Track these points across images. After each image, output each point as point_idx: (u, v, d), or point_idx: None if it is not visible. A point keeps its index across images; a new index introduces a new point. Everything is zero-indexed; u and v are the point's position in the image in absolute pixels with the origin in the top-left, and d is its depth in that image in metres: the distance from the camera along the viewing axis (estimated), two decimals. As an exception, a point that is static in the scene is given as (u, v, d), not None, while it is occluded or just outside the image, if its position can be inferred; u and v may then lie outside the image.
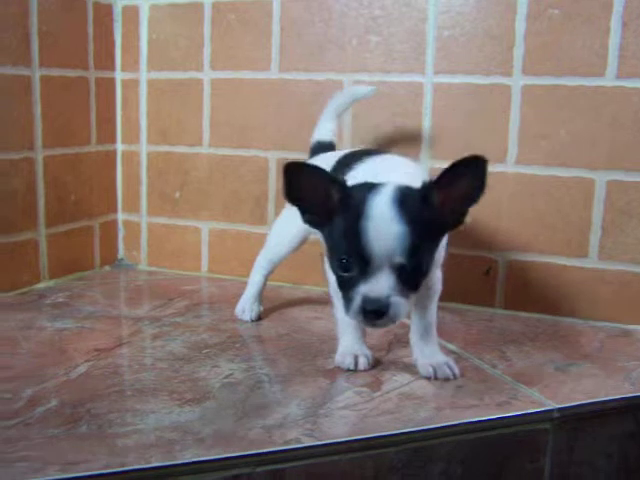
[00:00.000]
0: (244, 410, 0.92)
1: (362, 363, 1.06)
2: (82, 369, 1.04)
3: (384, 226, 0.87)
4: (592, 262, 1.28)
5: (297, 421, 0.90)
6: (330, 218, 0.93)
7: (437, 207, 0.90)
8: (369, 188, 0.91)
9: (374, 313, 0.89)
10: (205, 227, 1.55)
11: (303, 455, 0.85)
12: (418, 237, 0.88)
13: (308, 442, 0.85)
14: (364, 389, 1.00)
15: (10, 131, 1.34)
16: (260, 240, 1.45)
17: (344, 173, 1.08)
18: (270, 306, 1.34)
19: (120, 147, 1.60)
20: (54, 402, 0.93)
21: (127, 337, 1.18)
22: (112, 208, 1.62)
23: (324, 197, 0.92)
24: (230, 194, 1.52)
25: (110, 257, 1.62)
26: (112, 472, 0.78)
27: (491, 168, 1.31)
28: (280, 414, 0.92)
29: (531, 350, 1.16)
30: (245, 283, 1.36)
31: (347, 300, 0.91)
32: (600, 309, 1.28)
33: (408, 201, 0.89)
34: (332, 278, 1.06)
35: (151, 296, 1.43)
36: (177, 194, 1.56)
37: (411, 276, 0.90)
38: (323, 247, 1.03)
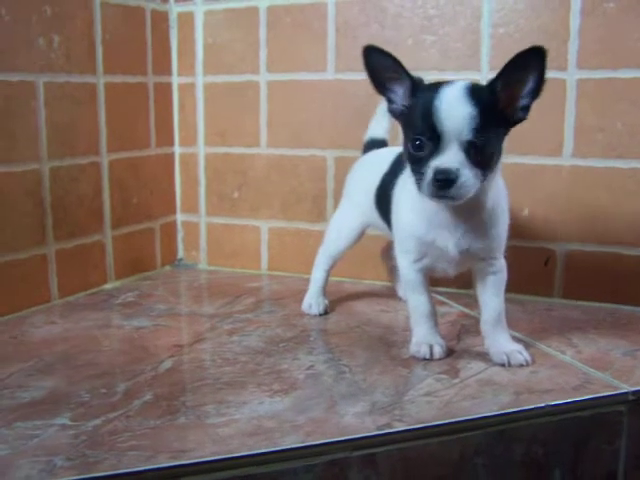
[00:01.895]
0: (332, 399, 0.96)
1: (437, 352, 1.10)
2: (168, 364, 1.08)
3: (454, 107, 0.95)
4: (647, 250, 1.31)
5: (385, 407, 0.94)
6: (406, 107, 1.01)
7: (501, 97, 0.97)
8: (441, 84, 0.99)
9: (444, 182, 0.94)
10: (264, 226, 1.59)
11: (395, 439, 0.89)
12: (484, 119, 0.95)
13: (400, 427, 0.89)
14: (443, 376, 1.04)
15: (78, 137, 1.39)
16: (319, 237, 1.49)
17: (402, 169, 1.13)
18: (334, 300, 1.38)
19: (178, 150, 1.64)
20: (149, 395, 0.97)
21: (204, 333, 1.22)
22: (171, 209, 1.66)
23: (399, 85, 1.02)
24: (288, 193, 1.56)
25: (170, 257, 1.67)
26: (220, 459, 0.81)
27: (547, 161, 1.35)
28: (367, 402, 0.95)
29: (596, 337, 1.19)
30: (306, 279, 1.40)
31: (419, 177, 0.97)
32: (659, 296, 1.31)
33: (475, 90, 0.97)
34: (405, 271, 1.11)
35: (217, 294, 1.46)
36: (235, 194, 1.60)
37: (478, 154, 0.96)
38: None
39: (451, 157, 0.94)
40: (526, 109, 0.99)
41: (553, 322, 1.27)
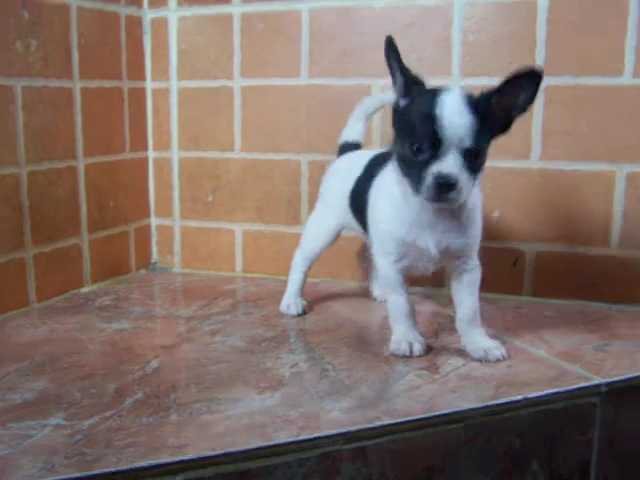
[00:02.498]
0: (319, 395, 0.99)
1: (417, 349, 1.13)
2: (155, 364, 1.10)
3: (456, 115, 0.99)
4: (614, 250, 1.37)
5: (371, 402, 0.97)
6: (399, 105, 1.06)
7: (494, 109, 1.02)
8: (438, 89, 1.03)
9: (446, 186, 0.99)
10: (239, 229, 1.61)
11: (384, 432, 0.92)
12: (481, 128, 1.00)
13: (387, 420, 0.92)
14: (424, 372, 1.07)
15: (55, 141, 1.40)
16: (294, 239, 1.52)
17: (377, 172, 1.17)
18: (311, 301, 1.41)
19: (152, 154, 1.65)
20: (139, 394, 0.99)
21: (186, 334, 1.24)
22: (146, 213, 1.67)
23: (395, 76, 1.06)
24: (263, 196, 1.58)
25: (144, 261, 1.68)
26: (217, 454, 0.84)
27: (516, 164, 1.40)
28: (354, 397, 0.98)
29: (567, 333, 1.24)
30: (281, 281, 1.43)
31: (417, 181, 1.01)
32: (624, 293, 1.37)
33: (473, 99, 1.01)
34: (385, 271, 1.14)
35: (193, 296, 1.48)
36: (210, 198, 1.62)
37: (473, 160, 1.01)
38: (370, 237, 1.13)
39: (451, 163, 0.99)
40: (512, 122, 1.04)
41: (524, 319, 1.32)
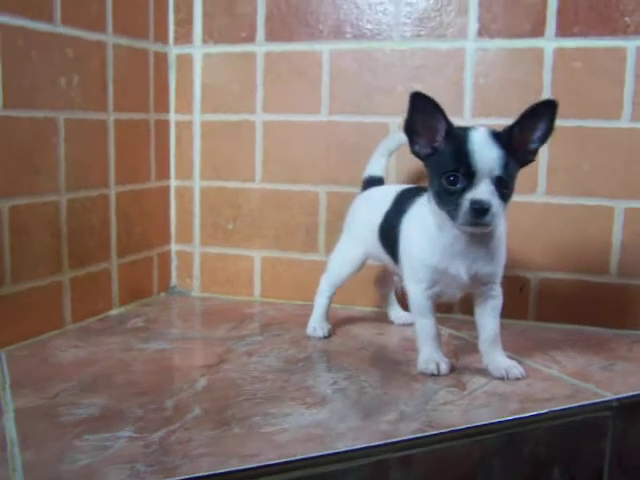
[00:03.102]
0: (364, 410, 1.08)
1: (444, 368, 1.22)
2: (203, 383, 1.17)
3: (485, 148, 1.11)
4: (613, 278, 1.49)
5: (412, 416, 1.06)
6: (435, 149, 1.16)
7: (516, 142, 1.14)
8: (466, 127, 1.15)
9: (480, 210, 1.10)
10: (257, 255, 1.70)
11: (428, 442, 1.01)
12: (508, 159, 1.12)
13: (431, 431, 1.01)
14: (453, 389, 1.17)
15: (90, 170, 1.48)
16: (311, 266, 1.62)
17: (406, 206, 1.27)
18: (332, 325, 1.48)
19: (174, 182, 1.74)
20: (197, 410, 1.06)
21: (224, 355, 1.31)
22: (167, 239, 1.75)
23: (433, 129, 1.15)
24: (282, 225, 1.67)
25: (165, 284, 1.75)
26: (287, 461, 0.91)
27: (523, 199, 1.51)
28: (395, 411, 1.07)
29: (574, 354, 1.35)
30: (299, 305, 1.53)
31: (454, 209, 1.12)
32: (622, 319, 1.49)
33: (497, 134, 1.13)
34: (416, 297, 1.24)
35: (220, 319, 1.55)
36: (230, 225, 1.70)
37: (503, 188, 1.12)
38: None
39: (484, 190, 1.10)
40: (535, 152, 1.16)
41: (533, 342, 1.43)
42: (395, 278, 1.51)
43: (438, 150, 1.16)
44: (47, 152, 1.36)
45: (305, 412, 1.06)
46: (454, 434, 1.02)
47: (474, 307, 1.26)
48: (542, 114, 1.14)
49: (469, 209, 1.10)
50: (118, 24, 1.51)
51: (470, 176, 1.11)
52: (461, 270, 1.19)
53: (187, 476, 0.86)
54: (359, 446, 0.96)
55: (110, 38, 1.49)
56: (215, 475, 0.87)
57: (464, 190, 1.11)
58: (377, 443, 0.97)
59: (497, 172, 1.11)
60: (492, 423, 1.05)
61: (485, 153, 1.11)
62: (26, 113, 1.30)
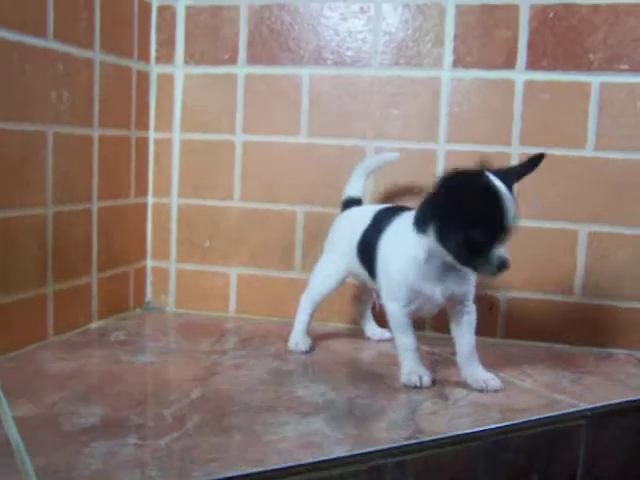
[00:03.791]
0: (357, 418, 1.12)
1: (426, 381, 1.28)
2: (197, 393, 1.20)
3: (512, 205, 1.16)
4: (577, 298, 1.57)
5: (402, 424, 1.11)
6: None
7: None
8: (483, 177, 1.16)
9: (505, 267, 1.16)
10: (234, 272, 1.73)
11: (420, 448, 1.05)
12: None
13: (422, 438, 1.07)
14: (437, 400, 1.22)
15: (76, 184, 1.49)
16: (288, 283, 1.67)
17: (383, 226, 1.33)
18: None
19: (151, 199, 1.76)
20: (196, 419, 1.08)
21: (212, 367, 1.34)
22: (144, 255, 1.77)
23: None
24: (259, 243, 1.71)
25: (140, 300, 1.76)
26: (292, 466, 0.95)
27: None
28: (386, 420, 1.12)
29: (544, 369, 1.42)
30: (274, 322, 1.57)
31: (478, 262, 1.17)
32: (586, 337, 1.57)
33: (510, 184, 1.19)
34: (394, 315, 1.30)
35: (200, 333, 1.58)
36: (207, 243, 1.73)
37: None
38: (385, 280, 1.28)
39: (506, 247, 1.17)
40: None
41: (503, 357, 1.49)
42: (373, 295, 1.56)
43: (458, 196, 1.16)
44: (36, 165, 1.37)
45: (301, 421, 1.10)
46: (443, 441, 1.08)
47: (450, 323, 1.32)
48: (537, 164, 1.24)
49: (498, 266, 1.16)
50: (105, 42, 1.54)
51: (499, 231, 1.15)
52: (437, 292, 1.26)
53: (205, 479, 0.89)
54: (358, 452, 1.00)
55: (97, 55, 1.52)
56: (229, 479, 0.91)
57: (491, 244, 1.16)
58: (374, 449, 1.01)
59: (515, 224, 1.17)
60: (477, 431, 1.11)
61: (512, 210, 1.15)
62: (18, 126, 1.32)
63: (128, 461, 0.93)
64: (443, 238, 1.19)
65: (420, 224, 1.23)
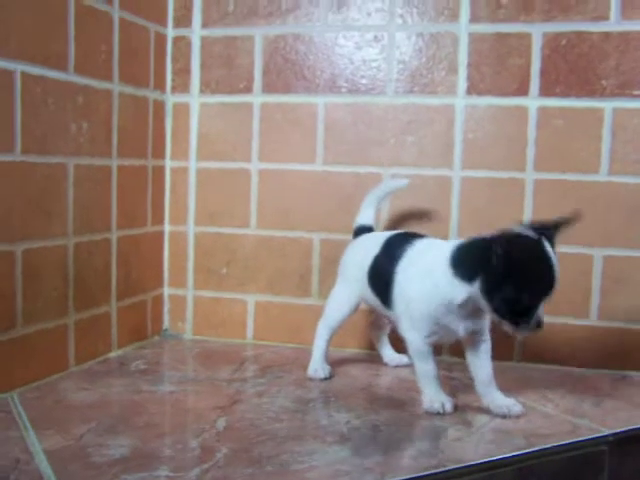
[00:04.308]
0: (383, 447, 1.13)
1: (448, 407, 1.28)
2: (222, 423, 1.20)
3: (558, 272, 1.21)
4: (592, 321, 1.58)
5: (429, 452, 1.11)
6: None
7: None
8: (540, 245, 1.20)
9: (540, 327, 1.21)
10: (251, 299, 1.74)
11: (449, 475, 1.06)
12: None
13: (450, 466, 1.07)
14: (460, 426, 1.23)
15: (95, 215, 1.50)
16: (305, 309, 1.68)
17: (400, 252, 1.34)
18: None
19: (168, 228, 1.77)
20: (225, 449, 1.09)
21: (235, 396, 1.34)
22: (161, 283, 1.78)
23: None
24: (275, 270, 1.72)
25: (157, 327, 1.77)
26: (324, 496, 0.96)
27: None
28: (412, 448, 1.13)
29: (564, 393, 1.43)
30: (292, 348, 1.58)
31: (518, 319, 1.20)
32: (601, 359, 1.58)
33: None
34: (415, 344, 1.30)
35: (220, 361, 1.58)
36: (224, 270, 1.74)
37: None
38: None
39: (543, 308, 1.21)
40: None
41: (523, 381, 1.50)
42: (385, 321, 1.57)
43: (517, 259, 1.18)
44: (57, 197, 1.39)
45: (328, 450, 1.10)
46: (470, 468, 1.08)
47: (466, 352, 1.34)
48: (574, 220, 1.30)
49: (534, 326, 1.21)
50: (123, 73, 1.56)
51: (545, 296, 1.20)
52: (460, 327, 1.28)
53: (239, 511, 0.90)
54: (391, 480, 1.01)
55: (116, 86, 1.54)
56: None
57: (530, 308, 1.20)
58: (403, 478, 1.02)
59: None
60: (504, 458, 1.12)
61: (557, 280, 1.21)
62: (40, 159, 1.33)
63: (161, 493, 0.94)
64: (490, 293, 1.21)
65: (465, 273, 1.23)
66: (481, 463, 1.09)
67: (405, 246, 1.35)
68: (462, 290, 1.23)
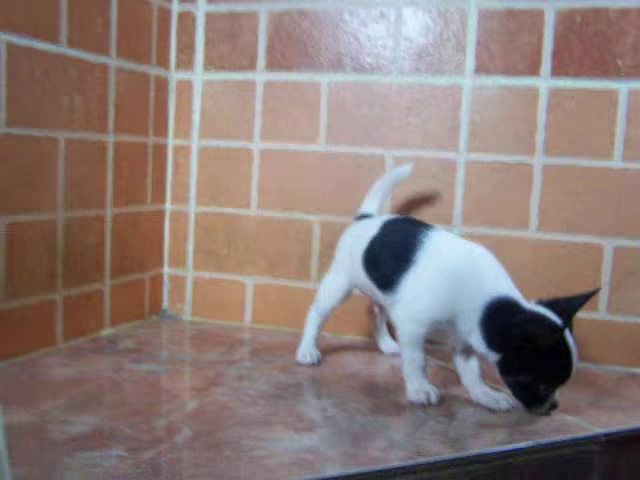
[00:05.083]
0: (353, 437, 1.08)
1: (433, 399, 1.23)
2: (193, 405, 1.17)
3: (576, 364, 1.20)
4: (602, 315, 1.50)
5: (401, 444, 1.06)
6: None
7: None
8: (563, 336, 1.19)
9: (554, 409, 1.22)
10: (250, 281, 1.71)
11: (417, 470, 1.01)
12: None
13: (419, 459, 1.02)
14: (442, 419, 1.17)
15: (88, 190, 1.49)
16: (303, 294, 1.64)
17: (416, 241, 1.28)
18: (322, 353, 1.49)
19: (169, 207, 1.75)
20: (187, 432, 1.06)
21: (215, 378, 1.31)
22: (160, 263, 1.76)
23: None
24: (275, 252, 1.69)
25: (156, 308, 1.75)
26: (276, 484, 0.92)
27: (514, 235, 1.54)
28: (385, 439, 1.08)
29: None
30: (289, 333, 1.54)
31: (533, 401, 1.21)
32: (609, 355, 1.50)
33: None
34: (410, 335, 1.25)
35: (211, 343, 1.56)
36: (224, 251, 1.71)
37: None
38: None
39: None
40: None
41: (521, 375, 1.44)
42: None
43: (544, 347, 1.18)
44: (48, 171, 1.37)
45: (295, 437, 1.06)
46: (442, 463, 1.03)
47: (453, 352, 1.30)
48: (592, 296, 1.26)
49: (547, 408, 1.21)
50: (122, 48, 1.53)
51: (561, 384, 1.20)
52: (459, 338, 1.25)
53: (179, 496, 0.86)
54: (348, 472, 0.96)
55: (113, 61, 1.51)
56: (206, 496, 0.88)
57: (547, 392, 1.20)
58: (366, 469, 0.97)
59: None
60: (480, 454, 1.06)
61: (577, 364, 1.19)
62: (28, 131, 1.32)
63: (108, 473, 0.91)
64: (507, 370, 1.20)
65: (487, 340, 1.20)
66: (453, 459, 1.03)
67: (421, 236, 1.28)
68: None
